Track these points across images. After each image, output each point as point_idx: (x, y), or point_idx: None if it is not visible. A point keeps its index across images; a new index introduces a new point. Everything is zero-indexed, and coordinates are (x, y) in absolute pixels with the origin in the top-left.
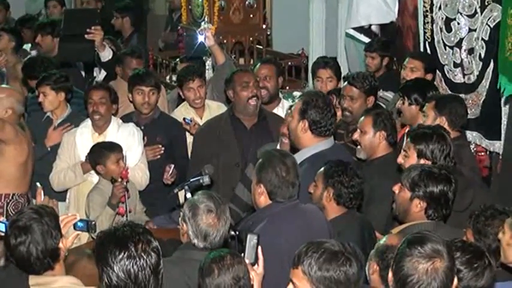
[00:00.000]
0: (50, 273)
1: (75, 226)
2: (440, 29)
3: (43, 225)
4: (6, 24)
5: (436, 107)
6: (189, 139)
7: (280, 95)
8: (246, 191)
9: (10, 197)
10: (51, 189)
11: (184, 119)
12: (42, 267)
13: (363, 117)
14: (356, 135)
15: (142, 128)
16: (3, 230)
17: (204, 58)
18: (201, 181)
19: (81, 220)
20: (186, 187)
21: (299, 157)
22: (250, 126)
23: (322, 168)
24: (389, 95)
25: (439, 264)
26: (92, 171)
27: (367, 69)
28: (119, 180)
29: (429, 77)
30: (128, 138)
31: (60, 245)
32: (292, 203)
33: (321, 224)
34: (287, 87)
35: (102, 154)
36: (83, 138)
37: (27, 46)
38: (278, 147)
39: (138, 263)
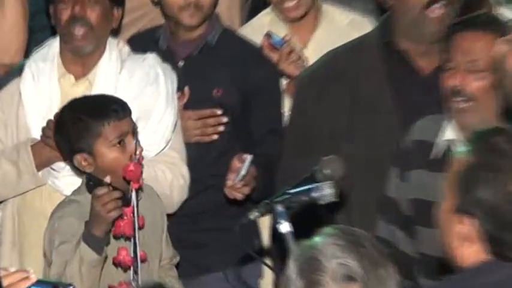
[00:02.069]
0: None
1: None
2: None
3: None
4: None
5: None
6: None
7: None
8: (399, 231)
9: None
10: None
11: (267, 35)
12: None
13: None
14: None
15: (181, 64)
16: None
17: None
18: (313, 195)
19: (39, 283)
20: (280, 208)
21: None
22: (429, 72)
23: None
24: None
25: None
26: (63, 164)
27: None
28: (107, 181)
29: None
30: (143, 89)
31: None
32: None
33: None
34: None
35: (84, 126)
36: (39, 87)
37: None
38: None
39: None
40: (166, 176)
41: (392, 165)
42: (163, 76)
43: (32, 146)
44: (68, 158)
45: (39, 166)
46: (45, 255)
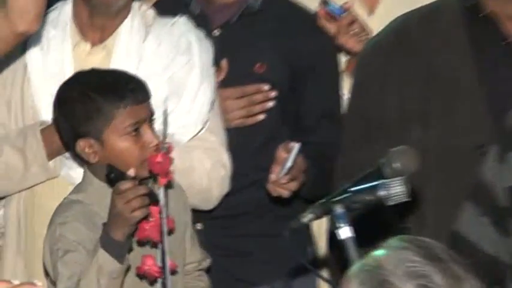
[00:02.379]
0: None
1: None
2: None
3: None
4: None
5: None
6: None
7: None
8: (490, 226)
9: None
10: None
11: (323, 2)
12: None
13: None
14: None
15: (217, 33)
16: None
17: None
18: (380, 193)
19: None
20: (339, 209)
21: None
22: None
23: None
24: None
25: None
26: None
27: None
28: (131, 174)
29: None
30: (174, 60)
31: None
32: None
33: None
34: None
35: (94, 107)
36: (49, 59)
37: None
38: None
39: None
40: (204, 165)
41: (492, 144)
42: (197, 44)
43: (41, 131)
44: (69, 143)
45: (51, 155)
46: (46, 272)
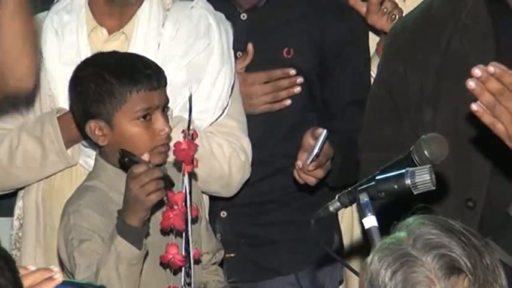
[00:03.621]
0: None
1: None
2: None
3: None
4: None
5: None
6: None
7: None
8: None
9: None
10: None
11: None
12: None
13: None
14: None
15: (244, 17)
16: None
17: None
18: (406, 182)
19: (66, 285)
20: (363, 197)
21: None
22: None
23: None
24: None
25: None
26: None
27: None
28: (146, 159)
29: None
30: (193, 45)
31: None
32: None
33: None
34: None
35: (107, 88)
36: (64, 45)
37: None
38: None
39: None
40: (224, 150)
41: None
42: (216, 27)
43: (58, 118)
44: (80, 124)
45: (69, 142)
46: (62, 265)
